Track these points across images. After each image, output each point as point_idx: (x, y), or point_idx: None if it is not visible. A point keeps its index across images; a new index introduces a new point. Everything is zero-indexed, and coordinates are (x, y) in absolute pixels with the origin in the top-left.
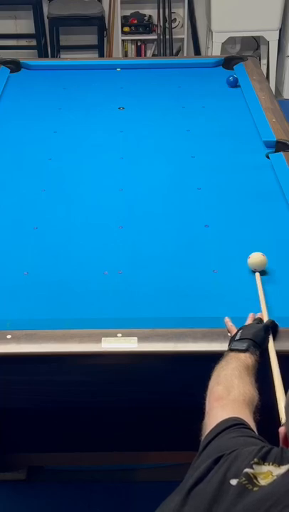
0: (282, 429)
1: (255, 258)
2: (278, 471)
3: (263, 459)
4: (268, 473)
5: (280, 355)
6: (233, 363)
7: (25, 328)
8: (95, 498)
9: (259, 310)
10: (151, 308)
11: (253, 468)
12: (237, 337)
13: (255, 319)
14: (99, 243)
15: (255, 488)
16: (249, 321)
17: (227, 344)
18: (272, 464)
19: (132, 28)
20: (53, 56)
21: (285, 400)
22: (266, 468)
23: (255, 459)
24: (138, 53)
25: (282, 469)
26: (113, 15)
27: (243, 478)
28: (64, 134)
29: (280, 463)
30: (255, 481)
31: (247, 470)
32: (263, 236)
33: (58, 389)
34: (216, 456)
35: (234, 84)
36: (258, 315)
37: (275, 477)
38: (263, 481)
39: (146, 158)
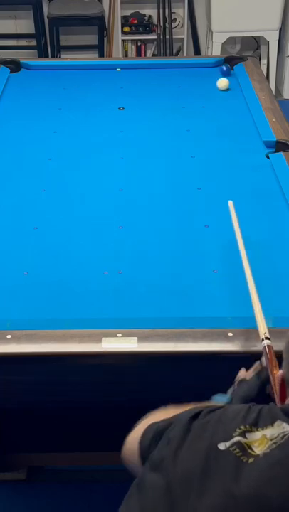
0: (279, 373)
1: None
2: (271, 431)
3: (255, 425)
4: (262, 439)
5: (279, 354)
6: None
7: (25, 328)
8: (95, 498)
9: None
10: (151, 308)
11: (245, 437)
12: (228, 393)
13: (254, 369)
14: (99, 243)
15: (251, 460)
16: (250, 372)
17: (227, 344)
18: (266, 428)
19: (132, 28)
20: (53, 56)
21: (285, 341)
22: (260, 433)
23: (247, 426)
24: (138, 53)
25: (275, 428)
26: (113, 15)
27: (236, 449)
28: (64, 134)
29: (272, 422)
30: (249, 450)
31: (239, 439)
32: (263, 236)
33: (58, 389)
34: (193, 414)
35: (227, 73)
36: (257, 366)
37: (269, 441)
38: (257, 449)
39: (146, 158)
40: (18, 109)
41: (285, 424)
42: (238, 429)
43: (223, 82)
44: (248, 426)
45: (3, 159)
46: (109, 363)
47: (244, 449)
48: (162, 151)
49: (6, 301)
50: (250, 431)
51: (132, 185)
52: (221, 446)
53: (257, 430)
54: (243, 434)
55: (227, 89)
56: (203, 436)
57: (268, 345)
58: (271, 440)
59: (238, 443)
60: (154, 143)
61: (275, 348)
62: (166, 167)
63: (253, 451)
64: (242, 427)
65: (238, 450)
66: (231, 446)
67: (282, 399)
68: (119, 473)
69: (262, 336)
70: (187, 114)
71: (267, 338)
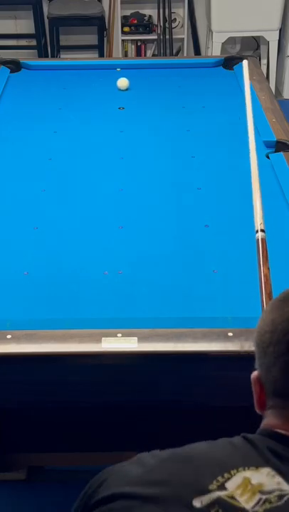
0: (254, 375)
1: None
2: (258, 477)
3: (234, 467)
4: (245, 483)
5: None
6: None
7: (25, 328)
8: None
9: (259, 309)
10: (151, 308)
11: (225, 488)
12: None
13: None
14: (99, 243)
15: None
16: None
17: (227, 344)
18: (248, 469)
19: (132, 28)
20: (53, 56)
21: (255, 335)
22: (240, 475)
23: (225, 475)
24: (138, 53)
25: (264, 477)
26: (113, 15)
27: (219, 509)
28: (64, 134)
29: (257, 464)
30: (234, 502)
31: (218, 494)
32: None
33: (58, 389)
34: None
35: None
36: None
37: (258, 493)
38: (242, 499)
39: (147, 158)
40: (18, 109)
41: (279, 479)
42: (215, 482)
43: (122, 83)
44: (225, 474)
45: (3, 159)
46: (109, 363)
47: (227, 504)
48: (162, 151)
49: (6, 301)
50: (229, 477)
51: (132, 185)
52: (197, 503)
53: (238, 471)
54: (222, 486)
55: (127, 89)
56: (169, 484)
57: (261, 239)
58: (261, 493)
59: (219, 500)
60: (154, 143)
61: None
62: (166, 167)
63: (238, 502)
64: (219, 479)
65: (221, 510)
66: (211, 505)
67: (261, 406)
68: None
69: (257, 227)
70: (187, 114)
71: (262, 231)
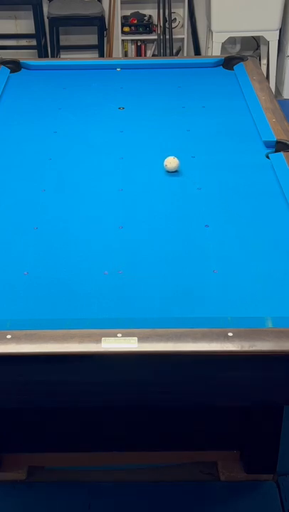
0: None
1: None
2: None
3: None
4: None
5: (280, 355)
6: None
7: (25, 328)
8: (94, 498)
9: (259, 309)
10: (151, 308)
11: None
12: None
13: None
14: (99, 243)
15: None
16: None
17: (227, 344)
18: None
19: (132, 28)
20: (53, 56)
21: None
22: None
23: None
24: (138, 53)
25: None
26: (113, 15)
27: None
28: (64, 134)
29: None
30: None
31: None
32: (263, 236)
33: (57, 389)
34: None
35: None
36: None
37: None
38: None
39: (147, 158)
40: (18, 109)
41: None
42: None
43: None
44: None
45: (3, 159)
46: (109, 363)
47: None
48: (162, 151)
49: (6, 301)
50: None
51: (132, 185)
52: None
53: None
54: None
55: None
56: None
57: None
58: None
59: None
60: (154, 143)
61: (274, 348)
62: None
63: None
64: None
65: None
66: None
67: None
68: (119, 473)
69: None
70: (187, 114)
71: None
